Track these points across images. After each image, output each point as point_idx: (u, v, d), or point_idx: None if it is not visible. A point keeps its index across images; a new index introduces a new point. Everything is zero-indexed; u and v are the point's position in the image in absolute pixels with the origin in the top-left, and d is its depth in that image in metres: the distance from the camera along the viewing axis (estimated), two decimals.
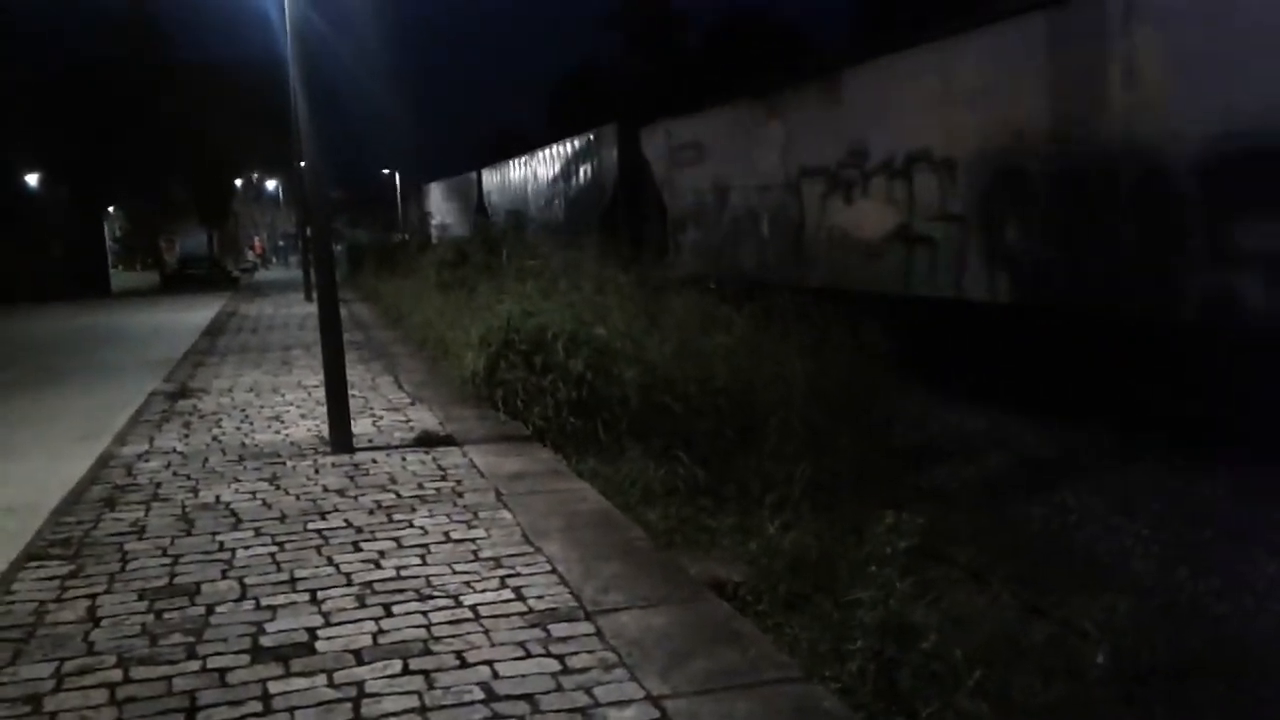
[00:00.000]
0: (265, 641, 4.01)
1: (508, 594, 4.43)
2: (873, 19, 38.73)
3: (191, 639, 4.07)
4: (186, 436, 8.25)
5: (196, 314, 22.22)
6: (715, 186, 17.21)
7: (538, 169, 27.82)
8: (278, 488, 6.47)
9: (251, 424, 8.70)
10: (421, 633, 4.04)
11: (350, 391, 7.96)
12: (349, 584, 4.64)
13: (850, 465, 6.59)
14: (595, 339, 7.87)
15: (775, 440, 6.72)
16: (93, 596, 4.61)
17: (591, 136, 23.30)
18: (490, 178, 34.37)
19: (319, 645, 3.96)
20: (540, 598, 4.37)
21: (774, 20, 47.04)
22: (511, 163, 31.13)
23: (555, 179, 25.91)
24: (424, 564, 4.87)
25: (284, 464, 7.12)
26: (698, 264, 16.76)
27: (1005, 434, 9.05)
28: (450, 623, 4.13)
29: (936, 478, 7.77)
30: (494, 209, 31.94)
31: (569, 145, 24.84)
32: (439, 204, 42.39)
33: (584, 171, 23.54)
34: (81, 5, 33.36)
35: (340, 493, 6.27)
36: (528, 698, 3.46)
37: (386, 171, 70.97)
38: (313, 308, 16.44)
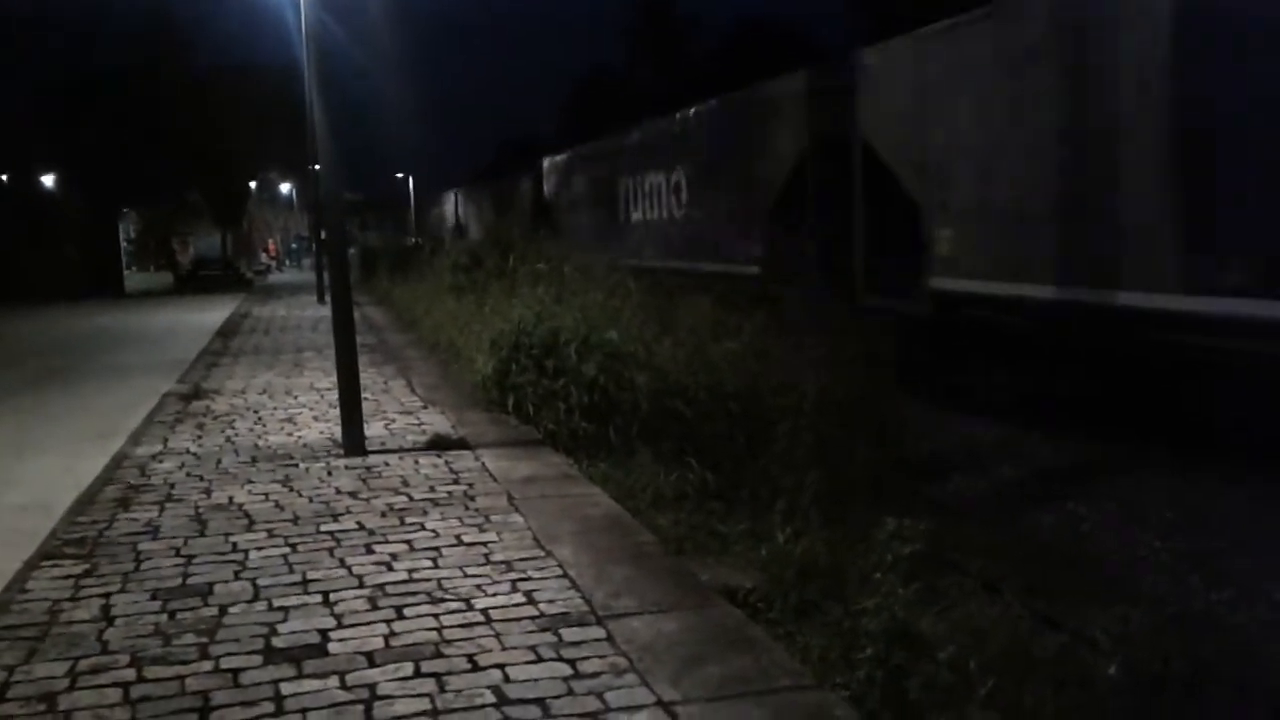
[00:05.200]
0: (278, 642, 4.03)
1: (519, 598, 4.44)
2: (869, 15, 38.49)
3: (205, 639, 4.08)
4: (200, 437, 8.29)
5: (210, 315, 22.30)
6: None
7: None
8: (290, 489, 6.49)
9: (264, 425, 8.73)
10: (433, 635, 4.06)
11: (363, 394, 7.99)
12: (361, 586, 4.65)
13: (861, 474, 6.59)
14: (607, 343, 7.88)
15: (785, 447, 6.72)
16: (106, 596, 4.63)
17: None
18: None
19: (331, 647, 3.98)
20: (551, 602, 4.38)
21: (781, 26, 47.12)
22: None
23: None
24: (436, 567, 4.88)
25: (297, 466, 7.14)
26: None
27: (1017, 445, 9.03)
28: (462, 626, 4.14)
29: (948, 487, 7.77)
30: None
31: None
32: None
33: None
34: (98, 10, 33.61)
35: (353, 495, 6.29)
36: (539, 702, 3.46)
37: (400, 175, 71.28)
38: (325, 310, 16.50)
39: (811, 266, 12.98)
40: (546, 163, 29.34)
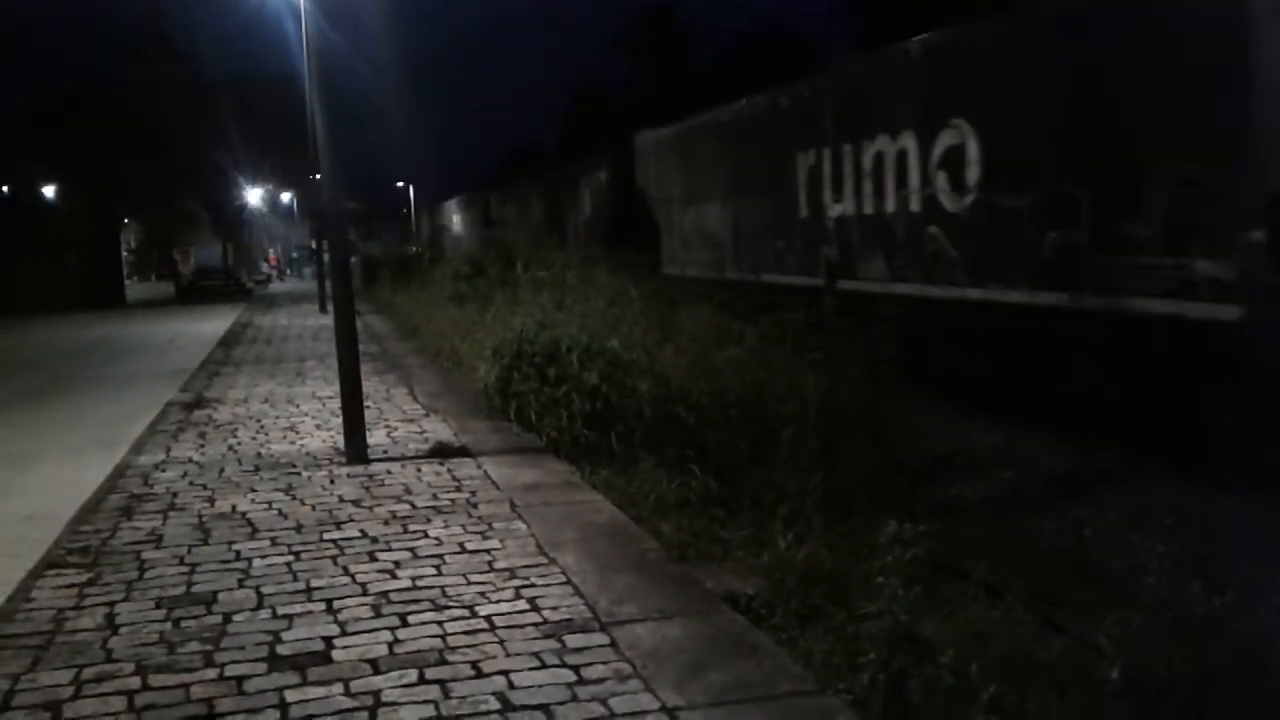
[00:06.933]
0: (282, 650, 4.04)
1: (523, 604, 4.45)
2: (865, 19, 38.62)
3: (209, 647, 4.10)
4: (202, 446, 8.30)
5: (211, 325, 22.33)
6: None
7: None
8: (293, 498, 6.50)
9: (267, 434, 8.74)
10: (437, 642, 4.06)
11: (365, 403, 8.01)
12: (365, 594, 4.66)
13: (863, 478, 6.59)
14: (609, 351, 7.89)
15: (788, 452, 6.73)
16: (111, 604, 4.64)
17: None
18: None
19: (335, 654, 3.99)
20: (555, 609, 4.39)
21: (784, 37, 47.25)
22: None
23: None
24: (439, 574, 4.89)
25: (300, 474, 7.16)
26: None
27: (1019, 449, 9.03)
28: (466, 633, 4.15)
29: (951, 492, 7.76)
30: None
31: None
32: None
33: None
34: (102, 22, 33.79)
35: (356, 503, 6.30)
36: (543, 708, 3.47)
37: (400, 184, 71.48)
38: (327, 319, 16.54)
39: None
40: (641, 140, 20.96)
